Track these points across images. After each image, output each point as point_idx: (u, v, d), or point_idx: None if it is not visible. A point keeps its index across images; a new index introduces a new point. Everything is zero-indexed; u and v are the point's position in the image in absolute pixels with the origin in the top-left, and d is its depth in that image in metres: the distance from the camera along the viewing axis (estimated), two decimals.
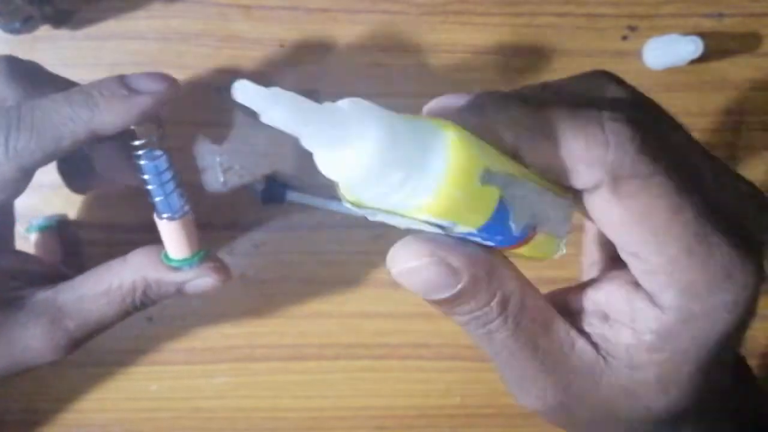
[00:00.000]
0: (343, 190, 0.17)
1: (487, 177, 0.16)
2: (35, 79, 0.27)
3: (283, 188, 0.37)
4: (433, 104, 0.19)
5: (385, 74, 0.37)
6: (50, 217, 0.37)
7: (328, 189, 0.38)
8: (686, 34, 0.35)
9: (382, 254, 0.41)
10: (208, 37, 0.36)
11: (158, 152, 0.26)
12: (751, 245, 0.19)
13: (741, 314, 0.18)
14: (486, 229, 0.18)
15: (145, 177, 0.26)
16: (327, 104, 0.16)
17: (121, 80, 0.25)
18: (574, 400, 0.21)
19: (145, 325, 0.38)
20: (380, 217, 0.17)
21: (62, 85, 0.27)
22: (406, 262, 0.19)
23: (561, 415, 0.22)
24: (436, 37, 0.37)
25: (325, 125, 0.15)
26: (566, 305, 0.21)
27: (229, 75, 0.37)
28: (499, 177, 0.17)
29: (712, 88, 0.38)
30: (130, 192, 0.37)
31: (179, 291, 0.29)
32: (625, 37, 0.37)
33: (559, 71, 0.37)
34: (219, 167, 0.38)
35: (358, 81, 0.37)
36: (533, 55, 0.37)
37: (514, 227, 0.18)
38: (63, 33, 0.36)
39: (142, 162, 0.26)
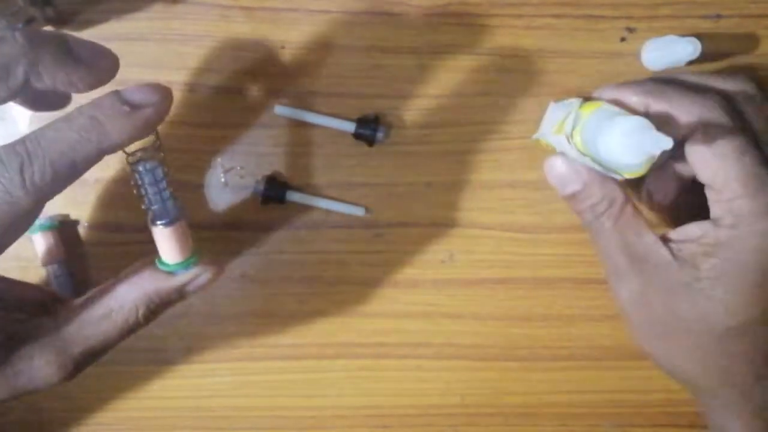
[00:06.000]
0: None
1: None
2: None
3: (283, 188, 0.37)
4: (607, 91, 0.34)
5: (386, 75, 0.37)
6: (52, 217, 0.37)
7: (328, 189, 0.38)
8: (684, 35, 0.35)
9: (382, 253, 0.41)
10: (210, 38, 0.37)
11: (155, 162, 0.27)
12: None
13: None
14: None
15: (142, 185, 0.27)
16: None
17: (119, 96, 0.25)
18: (652, 294, 0.31)
19: None
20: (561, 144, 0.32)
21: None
22: (548, 162, 0.32)
23: (640, 310, 0.32)
24: (437, 38, 0.37)
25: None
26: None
27: (229, 76, 0.37)
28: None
29: None
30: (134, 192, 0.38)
31: (182, 295, 0.29)
32: (623, 39, 0.37)
33: (557, 72, 0.37)
34: (220, 168, 0.38)
35: (359, 82, 0.37)
36: (532, 56, 0.37)
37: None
38: None
39: (139, 170, 0.26)
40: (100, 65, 0.26)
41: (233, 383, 0.40)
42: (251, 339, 0.40)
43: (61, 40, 0.26)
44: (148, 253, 0.38)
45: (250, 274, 0.39)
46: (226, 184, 0.38)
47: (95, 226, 0.38)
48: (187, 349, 0.40)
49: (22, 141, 0.24)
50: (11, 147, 0.23)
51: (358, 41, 0.37)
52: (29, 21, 0.35)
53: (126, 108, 0.24)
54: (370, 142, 0.37)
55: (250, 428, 0.41)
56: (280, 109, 0.37)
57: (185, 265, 0.28)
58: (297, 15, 0.37)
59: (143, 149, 0.27)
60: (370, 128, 0.36)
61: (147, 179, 0.27)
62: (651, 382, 0.41)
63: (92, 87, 0.26)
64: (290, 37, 0.37)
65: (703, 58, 0.36)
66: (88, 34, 0.37)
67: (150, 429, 0.41)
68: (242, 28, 0.37)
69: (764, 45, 0.38)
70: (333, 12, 0.37)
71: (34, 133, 0.24)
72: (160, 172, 0.27)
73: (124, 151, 0.26)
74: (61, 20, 0.36)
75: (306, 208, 0.38)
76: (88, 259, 0.38)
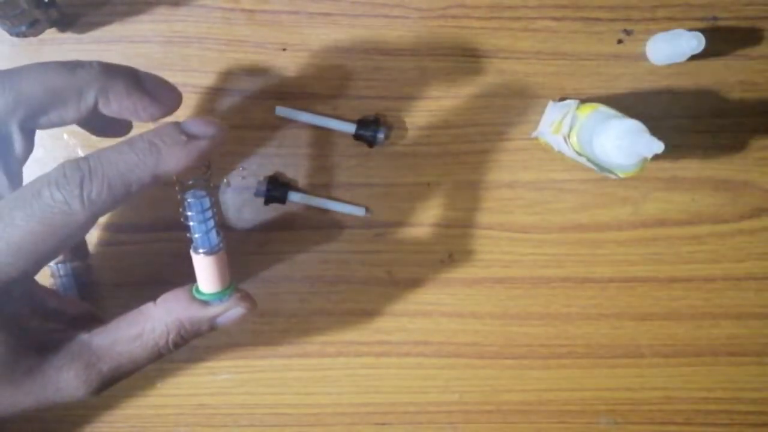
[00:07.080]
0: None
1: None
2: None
3: (285, 189, 0.38)
4: None
5: (386, 77, 0.38)
6: None
7: (329, 189, 0.39)
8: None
9: (382, 253, 0.42)
10: (212, 40, 0.37)
11: (203, 191, 0.27)
12: None
13: None
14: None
15: (189, 213, 0.27)
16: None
17: (179, 126, 0.26)
18: None
19: None
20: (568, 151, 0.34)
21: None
22: None
23: None
24: (435, 41, 0.37)
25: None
26: None
27: (231, 77, 0.37)
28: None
29: (706, 91, 0.38)
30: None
31: (212, 326, 0.30)
32: (620, 41, 0.38)
33: (555, 74, 0.38)
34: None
35: (359, 84, 0.38)
36: (531, 58, 0.38)
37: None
38: (68, 36, 0.37)
39: (188, 200, 0.27)
40: (164, 98, 0.28)
41: (235, 381, 0.41)
42: (253, 337, 0.40)
43: (131, 71, 0.28)
44: (152, 254, 0.39)
45: (253, 273, 0.39)
46: (228, 184, 0.38)
47: (100, 226, 0.39)
48: (190, 347, 0.40)
49: (86, 158, 0.25)
50: (75, 163, 0.25)
51: (359, 44, 0.37)
52: (33, 23, 0.35)
53: (183, 138, 0.25)
54: (371, 143, 0.37)
55: (252, 425, 0.41)
56: (281, 111, 0.37)
57: (220, 296, 0.29)
58: (298, 17, 0.37)
59: (194, 179, 0.27)
60: (370, 129, 0.37)
61: (194, 208, 0.27)
62: (647, 380, 0.41)
63: (154, 117, 0.27)
64: (291, 39, 0.37)
65: (700, 59, 0.36)
66: (91, 37, 0.37)
67: (153, 426, 0.41)
68: (244, 31, 0.37)
69: (761, 47, 0.38)
70: (333, 15, 0.37)
71: (97, 152, 0.25)
72: (207, 202, 0.28)
73: (177, 179, 0.27)
74: (64, 23, 0.37)
75: (307, 208, 0.39)
76: (92, 259, 0.39)
